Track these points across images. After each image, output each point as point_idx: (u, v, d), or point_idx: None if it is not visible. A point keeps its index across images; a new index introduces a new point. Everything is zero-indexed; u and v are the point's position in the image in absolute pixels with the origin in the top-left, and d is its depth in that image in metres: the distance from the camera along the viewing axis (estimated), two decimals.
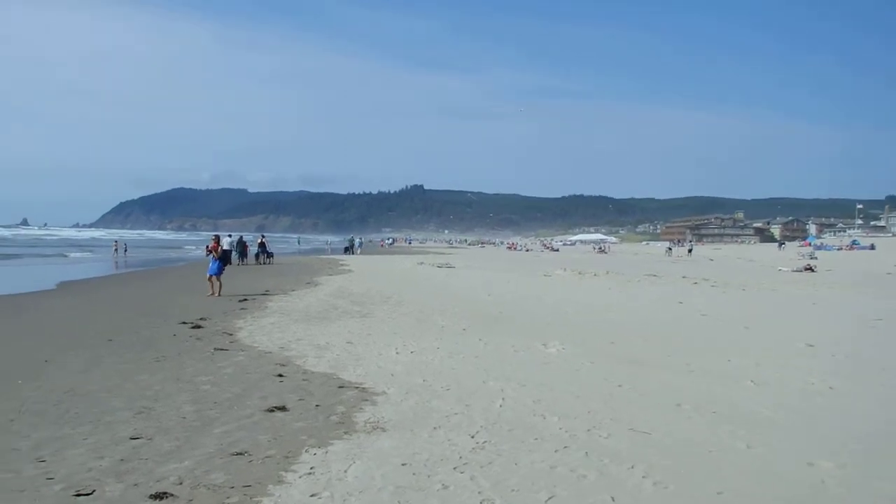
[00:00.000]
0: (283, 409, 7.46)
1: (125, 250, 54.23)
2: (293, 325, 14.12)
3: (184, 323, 14.06)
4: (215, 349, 11.12)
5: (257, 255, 42.02)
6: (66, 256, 49.89)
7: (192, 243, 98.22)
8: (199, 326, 13.61)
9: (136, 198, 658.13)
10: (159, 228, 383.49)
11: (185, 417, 7.16)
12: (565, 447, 6.36)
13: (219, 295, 19.82)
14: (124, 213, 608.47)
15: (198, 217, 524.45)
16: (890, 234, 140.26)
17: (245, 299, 18.78)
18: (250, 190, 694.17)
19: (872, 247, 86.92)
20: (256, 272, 32.74)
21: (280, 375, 9.17)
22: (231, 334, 12.74)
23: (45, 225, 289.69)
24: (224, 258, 20.97)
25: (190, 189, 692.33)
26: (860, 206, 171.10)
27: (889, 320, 16.39)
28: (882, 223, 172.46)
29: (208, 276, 20.54)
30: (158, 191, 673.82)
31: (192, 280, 27.24)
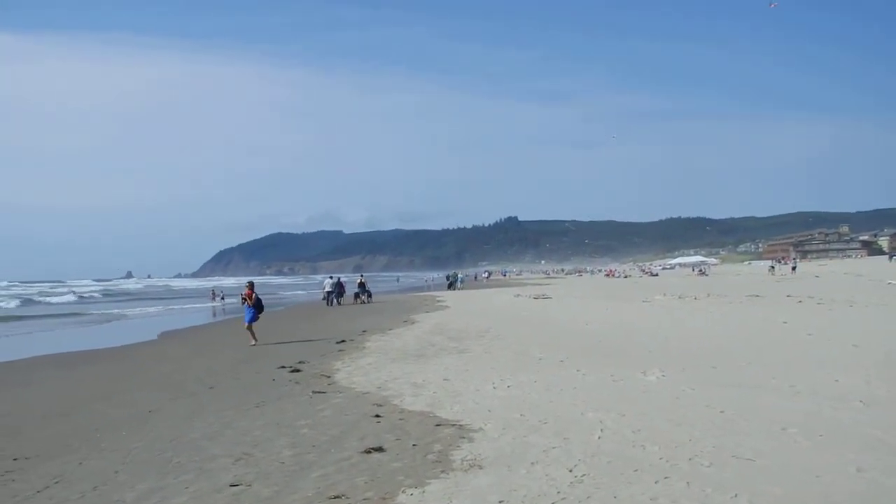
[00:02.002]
0: (380, 449, 7.54)
1: (222, 298, 55.69)
2: (390, 364, 14.28)
3: (283, 367, 14.41)
4: (314, 392, 11.34)
5: (356, 295, 42.81)
6: (166, 307, 51.85)
7: (289, 287, 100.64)
8: (297, 370, 13.93)
9: (234, 245, 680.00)
10: (259, 274, 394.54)
11: (283, 462, 7.32)
12: (666, 478, 6.20)
13: (255, 342, 19.36)
14: (224, 260, 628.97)
15: (295, 261, 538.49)
16: None
17: (343, 340, 19.10)
18: (346, 231, 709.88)
19: None
20: (354, 312, 33.31)
21: (377, 416, 9.27)
22: (329, 376, 12.98)
23: (149, 276, 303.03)
24: (258, 306, 20.08)
25: (287, 233, 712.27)
26: None
27: None
28: None
29: (246, 324, 19.94)
30: (257, 237, 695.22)
31: (289, 324, 27.97)
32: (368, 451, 7.49)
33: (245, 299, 20.33)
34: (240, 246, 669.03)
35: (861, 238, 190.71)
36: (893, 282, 39.49)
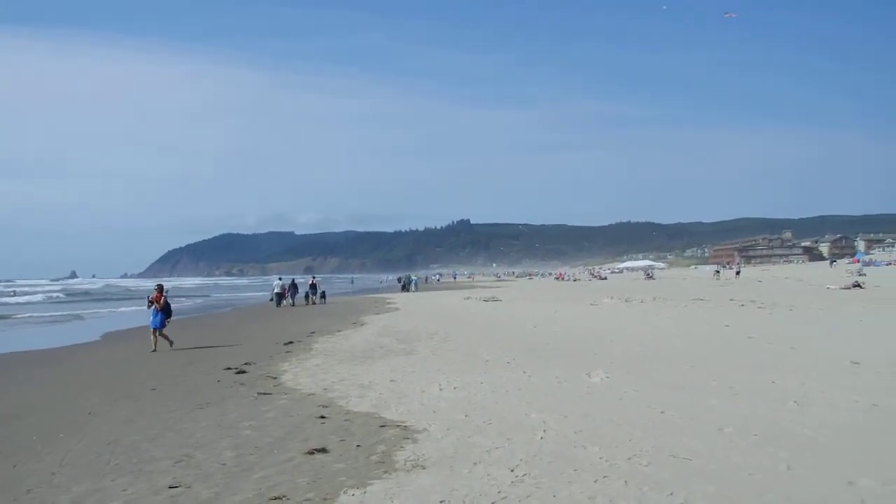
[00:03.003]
0: (323, 450, 7.53)
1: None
2: (337, 365, 14.24)
3: (228, 369, 14.26)
4: (259, 393, 11.26)
5: (306, 296, 42.61)
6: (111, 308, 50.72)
7: (239, 288, 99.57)
8: (243, 372, 13.80)
9: (183, 245, 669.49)
10: (207, 275, 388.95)
11: (225, 464, 7.27)
12: (605, 477, 6.31)
13: (171, 347, 18.52)
14: (172, 261, 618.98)
15: (245, 262, 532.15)
16: None
17: (290, 342, 18.97)
18: (297, 232, 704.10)
19: None
20: (304, 314, 33.10)
21: (322, 417, 9.25)
22: (275, 378, 12.89)
23: (94, 276, 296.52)
24: (167, 310, 18.92)
25: (237, 234, 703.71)
26: None
27: None
28: None
29: (152, 329, 18.66)
30: (205, 237, 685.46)
31: (237, 325, 27.72)
32: (312, 453, 7.47)
33: (152, 303, 18.98)
34: (188, 246, 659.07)
35: (803, 244, 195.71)
36: (832, 287, 40.59)
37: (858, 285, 39.44)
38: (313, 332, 21.84)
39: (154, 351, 18.35)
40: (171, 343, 18.80)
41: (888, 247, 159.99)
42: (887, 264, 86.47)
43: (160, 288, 19.88)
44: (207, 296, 74.45)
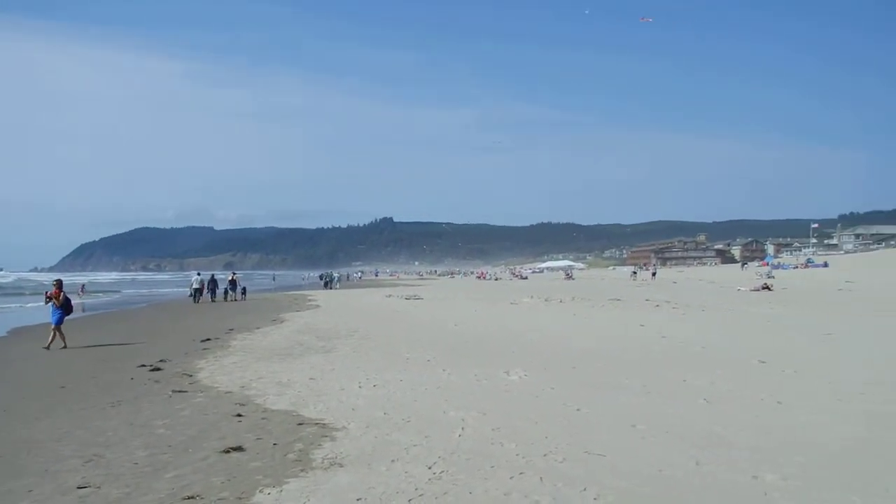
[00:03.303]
0: (239, 449, 7.42)
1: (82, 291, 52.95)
2: (255, 363, 14.04)
3: (143, 366, 13.90)
4: (173, 391, 11.02)
5: (225, 292, 41.89)
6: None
7: (155, 284, 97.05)
8: (158, 369, 13.48)
9: (97, 239, 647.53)
10: (122, 270, 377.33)
11: (136, 463, 7.09)
12: (521, 473, 6.40)
13: (64, 346, 17.85)
14: (85, 255, 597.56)
15: (162, 257, 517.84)
16: (842, 252, 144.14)
17: (208, 339, 18.60)
18: (217, 227, 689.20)
19: (826, 265, 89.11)
20: (223, 310, 32.50)
21: (239, 415, 9.11)
22: (191, 375, 12.63)
23: (2, 270, 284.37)
24: (66, 306, 18.37)
25: (154, 228, 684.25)
26: (815, 226, 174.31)
27: (837, 335, 16.74)
28: (835, 241, 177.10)
29: (53, 326, 18.08)
30: (121, 231, 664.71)
31: (152, 322, 27.05)
32: (227, 451, 7.35)
33: (51, 298, 18.36)
34: (103, 240, 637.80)
35: (716, 247, 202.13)
36: (742, 289, 42.04)
37: (767, 287, 40.89)
38: (232, 329, 21.47)
39: (47, 348, 17.67)
40: (64, 343, 18.02)
41: (795, 251, 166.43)
42: (794, 267, 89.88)
43: (59, 284, 19.07)
44: (122, 291, 72.36)
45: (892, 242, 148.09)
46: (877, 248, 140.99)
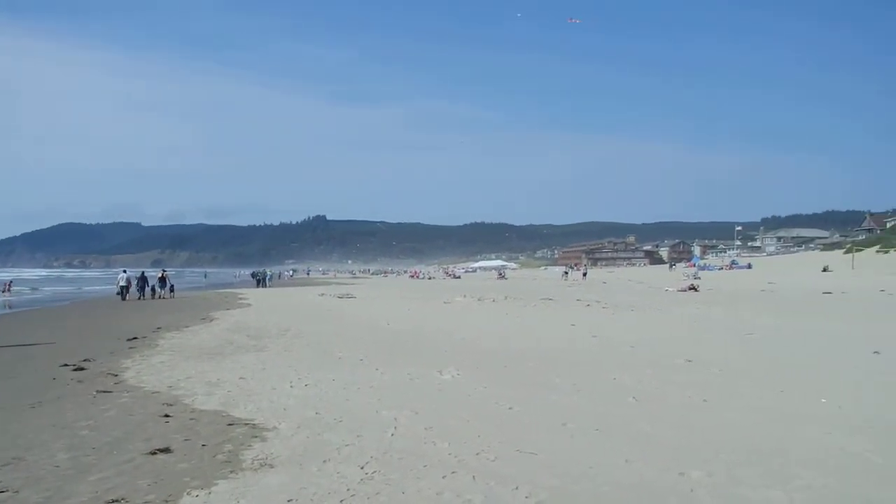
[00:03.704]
0: (166, 450, 7.25)
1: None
2: (184, 362, 13.75)
3: (65, 365, 13.46)
4: (98, 391, 10.71)
5: (153, 289, 41.08)
6: None
7: (81, 281, 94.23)
8: (81, 368, 13.07)
9: (17, 234, 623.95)
10: (45, 266, 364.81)
11: (58, 466, 6.85)
12: (453, 472, 6.42)
13: None
14: (5, 250, 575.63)
15: (87, 253, 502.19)
16: (765, 254, 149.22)
17: (135, 338, 18.15)
18: (145, 224, 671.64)
19: (749, 266, 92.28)
20: (151, 308, 31.75)
21: (166, 416, 8.91)
22: (116, 375, 12.29)
23: None
24: None
25: (79, 224, 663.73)
26: (739, 228, 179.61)
27: (760, 334, 17.28)
28: (758, 244, 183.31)
29: None
30: (43, 226, 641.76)
31: (77, 320, 26.28)
32: (154, 453, 7.18)
33: None
34: (24, 235, 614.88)
35: (645, 248, 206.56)
36: (670, 289, 43.01)
37: (694, 288, 41.91)
38: (159, 328, 21.00)
39: None
40: None
41: (720, 252, 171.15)
42: (719, 269, 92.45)
43: None
44: (46, 288, 70.01)
45: (811, 245, 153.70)
46: (797, 251, 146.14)
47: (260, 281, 63.29)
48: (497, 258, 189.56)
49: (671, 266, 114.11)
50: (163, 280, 42.71)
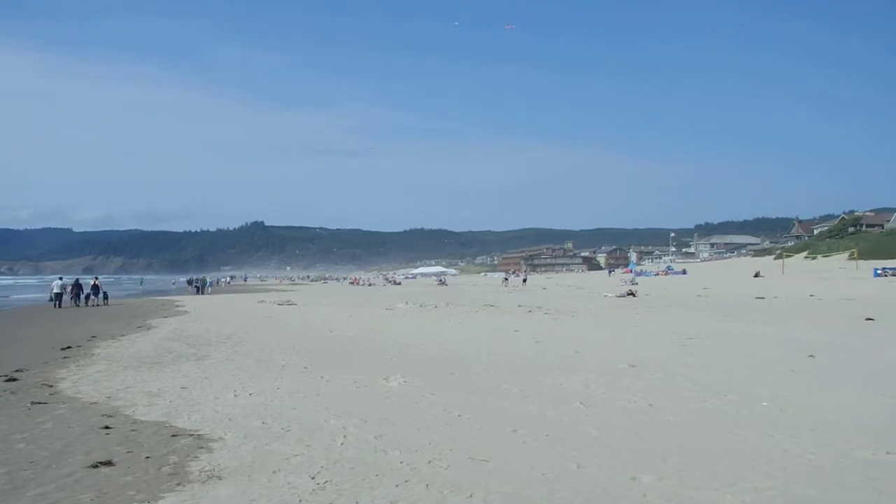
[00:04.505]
0: (108, 463, 7.03)
1: None
2: (122, 372, 13.39)
3: None
4: (32, 403, 10.33)
5: (87, 297, 40.09)
6: None
7: (11, 288, 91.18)
8: (13, 379, 12.58)
9: None
10: None
11: None
12: (406, 481, 6.37)
13: None
14: None
15: (15, 259, 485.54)
16: (699, 260, 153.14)
17: (69, 347, 17.61)
18: (76, 229, 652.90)
19: (684, 272, 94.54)
20: (85, 316, 30.89)
21: (107, 427, 8.64)
22: (51, 385, 11.88)
23: None
24: None
25: (6, 229, 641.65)
26: (673, 235, 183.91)
27: (699, 339, 17.63)
28: (692, 250, 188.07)
29: None
30: None
31: (6, 328, 25.39)
32: (96, 466, 6.96)
33: None
34: None
35: (583, 254, 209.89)
36: (609, 295, 43.65)
37: (632, 293, 42.63)
38: (95, 337, 20.42)
39: None
40: None
41: (656, 258, 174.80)
42: (655, 274, 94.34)
43: None
44: None
45: (743, 251, 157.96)
46: (729, 256, 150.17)
47: (199, 288, 62.37)
48: (437, 264, 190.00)
49: (610, 272, 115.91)
50: (96, 287, 41.68)
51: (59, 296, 38.60)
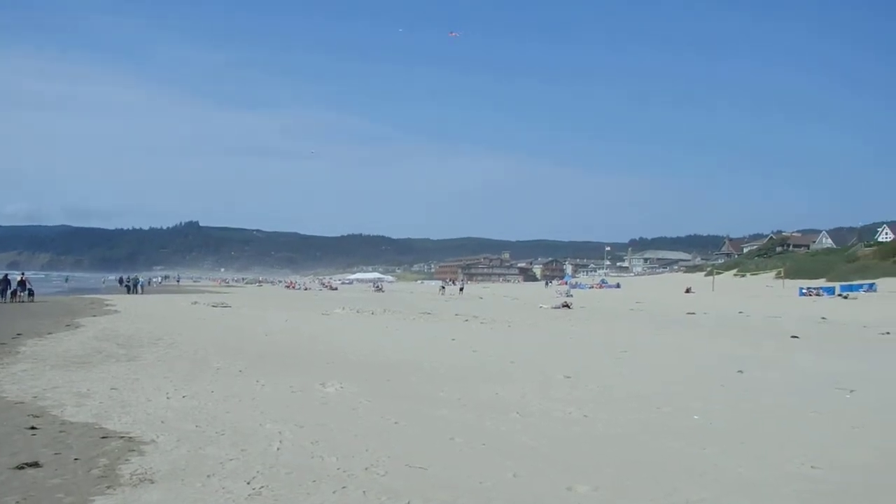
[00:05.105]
0: (35, 465, 6.82)
1: None
2: (49, 371, 13.00)
3: None
4: None
5: (14, 293, 38.92)
6: None
7: None
8: None
9: None
10: None
11: None
12: (343, 487, 6.34)
13: None
14: None
15: None
16: (633, 274, 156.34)
17: None
18: (1, 223, 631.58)
19: (618, 285, 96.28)
20: (10, 313, 29.89)
21: (33, 428, 8.38)
22: None
23: None
24: None
25: None
26: (608, 249, 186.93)
27: (632, 352, 18.03)
28: (626, 264, 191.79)
29: None
30: None
31: None
32: (21, 467, 6.74)
33: None
34: None
35: (520, 265, 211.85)
36: (544, 306, 44.16)
37: (567, 305, 43.21)
38: (20, 334, 19.76)
39: None
40: None
41: (591, 271, 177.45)
42: (590, 287, 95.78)
43: None
44: None
45: (675, 267, 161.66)
46: (662, 272, 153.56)
47: (130, 287, 61.17)
48: (374, 270, 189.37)
49: (547, 283, 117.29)
50: (22, 283, 40.53)
51: None
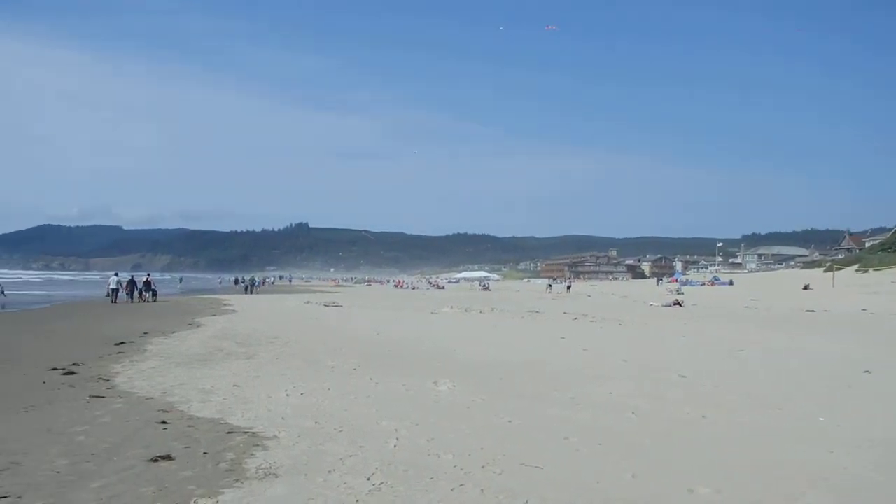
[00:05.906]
0: (167, 458, 7.16)
1: (2, 292, 50.00)
2: (175, 368, 13.62)
3: (54, 369, 13.27)
4: (91, 396, 10.56)
5: (140, 293, 41.13)
6: None
7: (63, 285, 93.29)
8: (71, 373, 12.90)
9: None
10: (24, 268, 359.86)
11: (58, 472, 6.74)
12: (461, 485, 6.38)
13: None
14: None
15: (67, 255, 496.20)
16: (746, 271, 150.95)
17: (122, 342, 17.99)
18: (125, 227, 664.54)
19: (731, 282, 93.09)
20: (135, 313, 31.46)
21: (163, 422, 8.80)
22: (107, 380, 12.15)
23: None
24: None
25: (58, 226, 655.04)
26: (720, 245, 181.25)
27: (749, 351, 17.38)
28: (739, 260, 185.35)
29: None
30: (21, 227, 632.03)
31: (62, 322, 25.98)
32: (155, 460, 7.08)
33: None
34: (2, 236, 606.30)
35: (627, 262, 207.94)
36: (654, 304, 43.22)
37: (678, 303, 42.16)
38: (146, 333, 20.79)
39: None
40: None
41: (702, 268, 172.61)
42: (702, 284, 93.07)
43: None
44: (26, 291, 69.05)
45: (791, 263, 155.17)
46: (777, 268, 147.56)
47: (247, 287, 63.73)
48: (479, 269, 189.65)
49: (658, 281, 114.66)
50: (147, 284, 42.74)
51: (115, 291, 39.85)
